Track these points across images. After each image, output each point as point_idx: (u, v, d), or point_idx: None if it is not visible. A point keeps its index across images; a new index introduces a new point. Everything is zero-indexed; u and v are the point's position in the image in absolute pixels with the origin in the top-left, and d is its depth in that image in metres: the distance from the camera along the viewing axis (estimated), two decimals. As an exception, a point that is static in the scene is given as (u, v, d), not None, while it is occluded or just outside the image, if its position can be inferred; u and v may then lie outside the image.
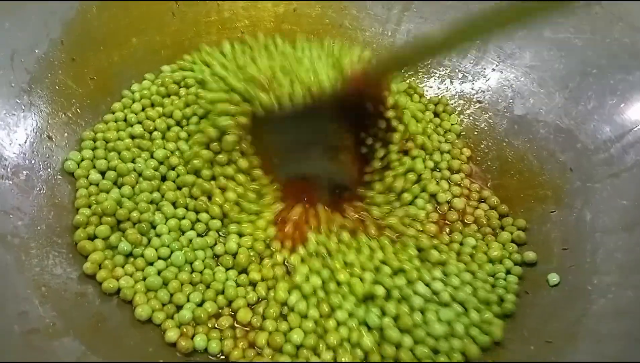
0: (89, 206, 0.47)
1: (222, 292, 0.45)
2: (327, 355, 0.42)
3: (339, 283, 0.47)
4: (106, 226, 0.45)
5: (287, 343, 0.42)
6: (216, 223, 0.49)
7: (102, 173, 0.50)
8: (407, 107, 0.58)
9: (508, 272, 0.50)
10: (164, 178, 0.51)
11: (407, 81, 0.66)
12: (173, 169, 0.52)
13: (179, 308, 0.43)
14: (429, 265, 0.50)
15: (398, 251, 0.50)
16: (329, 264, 0.48)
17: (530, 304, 0.47)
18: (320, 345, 0.42)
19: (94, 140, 0.52)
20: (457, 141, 0.62)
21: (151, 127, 0.54)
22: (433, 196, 0.56)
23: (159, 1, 0.62)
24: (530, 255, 0.51)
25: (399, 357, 0.42)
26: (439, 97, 0.66)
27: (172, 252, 0.46)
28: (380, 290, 0.45)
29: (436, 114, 0.64)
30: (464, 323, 0.44)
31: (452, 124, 0.63)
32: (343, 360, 0.41)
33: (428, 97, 0.66)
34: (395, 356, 0.42)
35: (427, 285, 0.47)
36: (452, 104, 0.65)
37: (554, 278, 0.48)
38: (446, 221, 0.55)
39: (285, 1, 0.68)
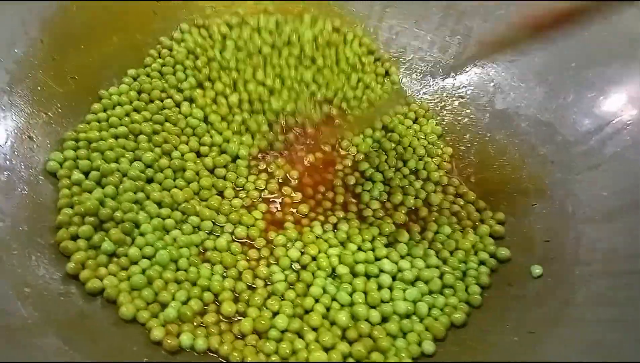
0: (72, 206, 0.46)
1: (208, 289, 0.45)
2: (310, 336, 0.43)
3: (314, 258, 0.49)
4: (89, 226, 0.45)
5: (272, 329, 0.43)
6: (207, 224, 0.50)
7: (85, 174, 0.50)
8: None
9: (482, 263, 0.51)
10: (149, 180, 0.51)
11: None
12: (161, 171, 0.52)
13: (164, 306, 0.43)
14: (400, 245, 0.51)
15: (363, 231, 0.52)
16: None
17: (513, 296, 0.47)
18: (304, 327, 0.43)
19: (77, 140, 0.52)
20: (437, 141, 0.62)
21: (136, 130, 0.54)
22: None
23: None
24: (502, 252, 0.51)
25: (374, 335, 0.43)
26: (419, 102, 0.66)
27: (156, 251, 0.46)
28: (344, 269, 0.47)
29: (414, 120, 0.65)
30: (428, 304, 0.46)
31: (432, 128, 0.64)
32: (325, 339, 0.42)
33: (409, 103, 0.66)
34: (369, 333, 0.44)
35: (395, 263, 0.49)
36: (433, 100, 0.66)
37: (536, 269, 0.48)
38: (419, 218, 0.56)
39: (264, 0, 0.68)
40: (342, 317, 0.44)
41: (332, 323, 0.44)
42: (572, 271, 0.47)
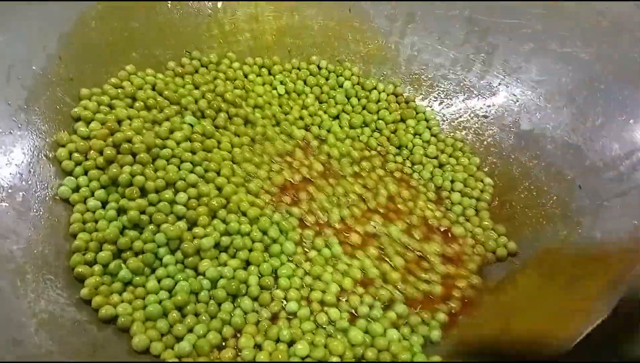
0: (89, 232, 0.46)
1: (229, 323, 0.44)
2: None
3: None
4: (107, 252, 0.44)
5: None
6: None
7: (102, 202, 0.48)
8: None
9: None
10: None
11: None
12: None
13: (179, 339, 0.42)
14: None
15: None
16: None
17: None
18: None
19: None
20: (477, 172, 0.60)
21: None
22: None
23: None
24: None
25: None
26: (454, 137, 0.64)
27: (176, 283, 0.44)
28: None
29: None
30: None
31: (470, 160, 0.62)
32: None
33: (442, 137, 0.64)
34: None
35: None
36: (455, 119, 0.64)
37: None
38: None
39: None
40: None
41: None
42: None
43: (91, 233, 0.45)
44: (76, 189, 0.48)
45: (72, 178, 0.49)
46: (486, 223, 0.56)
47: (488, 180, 0.59)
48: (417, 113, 0.65)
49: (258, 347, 0.43)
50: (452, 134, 0.64)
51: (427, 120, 0.64)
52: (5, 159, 0.46)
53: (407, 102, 0.66)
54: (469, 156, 0.61)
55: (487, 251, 0.54)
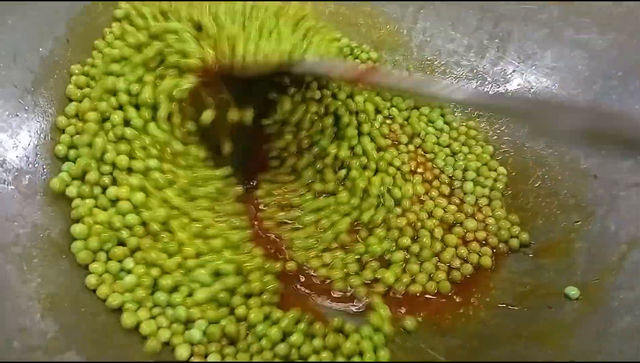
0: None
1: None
2: None
3: None
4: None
5: None
6: None
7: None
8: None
9: None
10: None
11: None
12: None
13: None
14: None
15: None
16: None
17: (552, 319, 0.45)
18: None
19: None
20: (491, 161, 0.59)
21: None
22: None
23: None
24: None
25: None
26: (467, 125, 0.62)
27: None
28: None
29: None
30: None
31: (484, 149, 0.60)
32: None
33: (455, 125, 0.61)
34: None
35: None
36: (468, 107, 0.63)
37: (572, 291, 0.46)
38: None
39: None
40: None
41: None
42: (616, 296, 0.44)
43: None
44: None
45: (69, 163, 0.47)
46: (499, 213, 0.54)
47: (502, 169, 0.57)
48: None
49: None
50: (464, 122, 0.62)
51: (440, 107, 0.62)
52: (12, 141, 0.45)
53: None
54: (482, 145, 0.60)
55: (500, 241, 0.52)
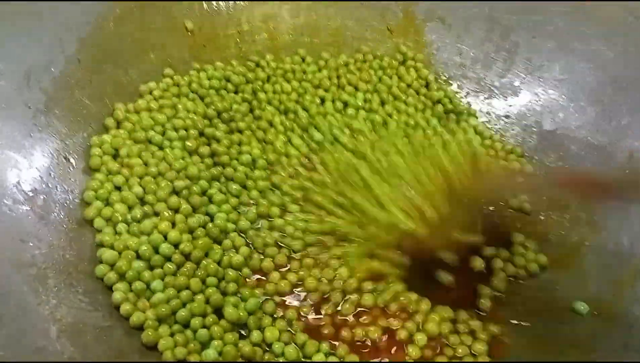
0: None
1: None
2: None
3: None
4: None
5: None
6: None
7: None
8: None
9: None
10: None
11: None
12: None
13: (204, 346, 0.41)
14: None
15: None
16: None
17: (565, 337, 0.45)
18: None
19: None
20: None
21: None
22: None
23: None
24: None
25: None
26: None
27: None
28: None
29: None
30: None
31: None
32: None
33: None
34: None
35: None
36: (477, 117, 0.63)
37: (581, 306, 0.46)
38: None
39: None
40: None
41: None
42: (630, 312, 0.44)
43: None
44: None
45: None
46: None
47: None
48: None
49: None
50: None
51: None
52: (26, 162, 0.46)
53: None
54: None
55: (518, 268, 0.49)
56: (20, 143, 0.46)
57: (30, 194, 0.44)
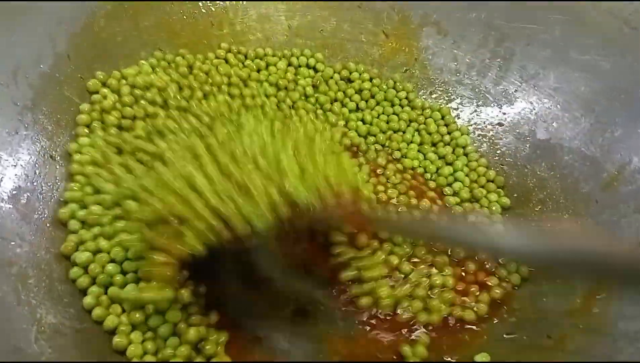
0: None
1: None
2: None
3: None
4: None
5: None
6: None
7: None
8: None
9: None
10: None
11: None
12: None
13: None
14: None
15: None
16: None
17: (552, 349, 0.44)
18: None
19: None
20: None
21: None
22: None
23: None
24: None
25: None
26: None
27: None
28: None
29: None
30: None
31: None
32: None
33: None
34: None
35: None
36: (469, 126, 0.63)
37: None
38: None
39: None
40: None
41: None
42: (616, 325, 0.43)
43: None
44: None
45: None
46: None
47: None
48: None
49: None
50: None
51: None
52: (11, 160, 0.45)
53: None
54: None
55: (501, 281, 0.50)
56: (6, 140, 0.46)
57: (14, 192, 0.44)
